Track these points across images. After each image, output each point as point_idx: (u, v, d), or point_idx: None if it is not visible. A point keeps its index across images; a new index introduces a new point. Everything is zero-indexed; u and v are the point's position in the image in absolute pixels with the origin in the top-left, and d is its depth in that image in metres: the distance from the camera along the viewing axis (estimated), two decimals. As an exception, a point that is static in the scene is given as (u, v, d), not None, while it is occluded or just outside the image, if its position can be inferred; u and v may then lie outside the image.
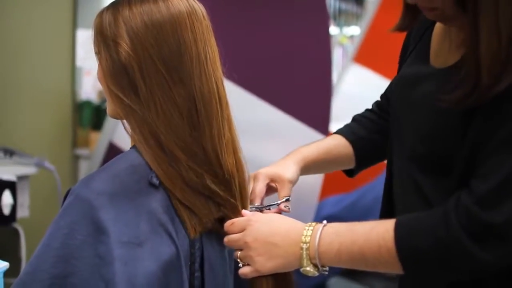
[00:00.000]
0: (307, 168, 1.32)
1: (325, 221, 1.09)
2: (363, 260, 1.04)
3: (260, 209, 1.22)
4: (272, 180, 1.27)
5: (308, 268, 1.07)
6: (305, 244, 1.06)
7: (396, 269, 1.02)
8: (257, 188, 1.24)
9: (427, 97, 1.08)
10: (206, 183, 1.10)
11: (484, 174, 0.98)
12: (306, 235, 1.06)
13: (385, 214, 1.26)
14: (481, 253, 0.95)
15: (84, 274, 1.00)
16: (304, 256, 1.06)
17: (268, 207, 1.24)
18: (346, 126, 1.43)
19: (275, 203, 1.24)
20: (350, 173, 1.44)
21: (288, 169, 1.28)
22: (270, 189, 1.28)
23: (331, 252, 1.05)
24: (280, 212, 1.23)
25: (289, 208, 1.24)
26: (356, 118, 1.44)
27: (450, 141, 1.04)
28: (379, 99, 1.47)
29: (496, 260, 0.96)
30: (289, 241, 1.08)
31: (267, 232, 1.09)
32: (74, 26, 3.11)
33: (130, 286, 1.00)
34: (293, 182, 1.28)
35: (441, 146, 1.05)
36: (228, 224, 1.13)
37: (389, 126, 1.39)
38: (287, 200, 1.25)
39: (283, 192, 1.26)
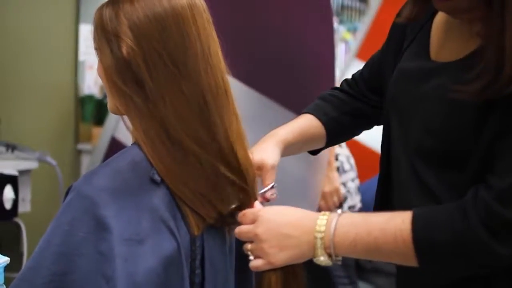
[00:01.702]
0: (285, 149, 1.31)
1: (339, 211, 1.08)
2: (378, 251, 1.03)
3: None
4: (257, 168, 1.25)
5: (322, 258, 1.06)
6: (319, 233, 1.05)
7: (411, 261, 1.01)
8: None
9: (438, 91, 1.07)
10: (221, 171, 1.09)
11: (503, 169, 0.98)
12: (320, 225, 1.05)
13: (379, 209, 1.26)
14: (499, 247, 0.96)
15: (84, 271, 1.00)
16: (319, 245, 1.05)
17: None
18: (317, 105, 1.42)
19: (262, 191, 1.22)
20: (314, 151, 1.44)
21: (270, 154, 1.26)
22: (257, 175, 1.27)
23: (346, 242, 1.04)
24: (267, 200, 1.22)
25: (275, 195, 1.23)
26: (325, 97, 1.44)
27: (464, 135, 1.03)
28: (349, 77, 1.46)
29: None
30: (302, 231, 1.07)
31: (278, 223, 1.08)
32: (77, 20, 3.10)
33: (131, 283, 1.00)
34: (275, 167, 1.27)
35: (453, 139, 1.05)
36: (240, 215, 1.13)
37: (359, 106, 1.39)
38: (272, 187, 1.23)
39: (268, 179, 1.24)
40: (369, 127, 1.45)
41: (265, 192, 1.22)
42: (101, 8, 1.12)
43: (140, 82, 1.06)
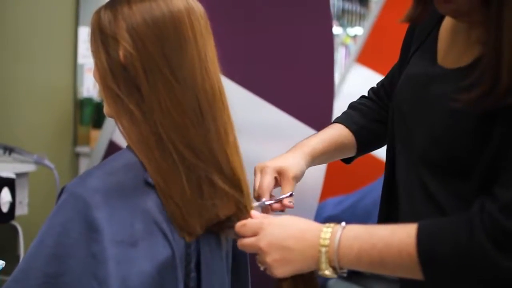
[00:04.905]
0: (314, 160, 1.31)
1: (343, 223, 1.05)
2: (383, 264, 1.01)
3: (263, 206, 1.20)
4: (278, 174, 1.24)
5: (326, 272, 1.04)
6: (324, 247, 1.03)
7: (416, 274, 0.99)
8: (265, 182, 1.21)
9: (441, 99, 1.05)
10: (215, 180, 1.08)
11: (509, 181, 0.95)
12: (324, 238, 1.03)
13: (384, 216, 1.25)
14: (505, 261, 0.93)
15: (77, 273, 0.99)
16: (323, 259, 1.03)
17: (271, 203, 1.21)
18: (346, 114, 1.42)
19: (279, 198, 1.21)
20: (347, 160, 1.44)
21: (295, 164, 1.25)
22: (277, 182, 1.26)
23: (350, 256, 1.02)
24: (283, 209, 1.21)
25: (293, 204, 1.22)
26: (354, 106, 1.43)
27: (468, 144, 1.01)
28: (375, 86, 1.45)
29: None
30: (306, 245, 1.05)
31: (281, 235, 1.06)
32: (76, 23, 3.09)
33: (124, 286, 0.99)
34: (298, 178, 1.26)
35: (457, 149, 1.03)
36: (239, 226, 1.11)
37: (384, 115, 1.38)
38: (291, 195, 1.22)
39: (287, 188, 1.23)
40: None
41: (283, 198, 1.21)
42: (98, 11, 1.11)
43: (136, 86, 1.06)
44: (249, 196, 1.16)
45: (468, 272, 0.97)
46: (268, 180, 1.22)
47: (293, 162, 1.26)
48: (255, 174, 1.23)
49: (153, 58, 1.05)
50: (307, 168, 1.29)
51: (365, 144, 1.39)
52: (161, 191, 1.06)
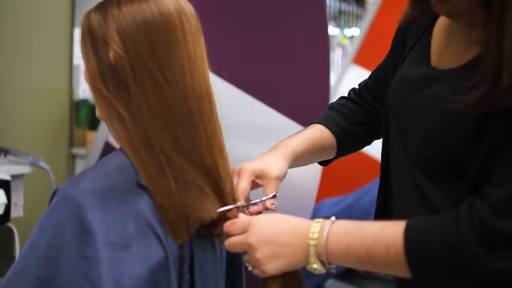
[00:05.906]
0: (295, 161, 1.29)
1: (333, 218, 1.06)
2: (370, 261, 1.01)
3: (244, 207, 1.17)
4: (257, 176, 1.22)
5: (315, 266, 1.03)
6: (313, 241, 1.03)
7: (404, 272, 0.99)
8: (241, 186, 1.19)
9: (436, 100, 1.05)
10: (200, 183, 1.08)
11: (500, 181, 0.95)
12: (313, 232, 1.03)
13: (379, 217, 1.24)
14: (493, 261, 0.93)
15: (70, 275, 0.99)
16: (312, 253, 1.03)
17: (252, 204, 1.18)
18: (327, 115, 1.40)
19: (260, 200, 1.19)
20: (324, 162, 1.42)
21: (275, 165, 1.23)
22: (255, 184, 1.23)
23: (338, 251, 1.02)
24: (265, 209, 1.19)
25: (275, 206, 1.19)
26: (334, 107, 1.42)
27: (463, 146, 1.01)
28: (356, 86, 1.44)
29: (508, 269, 0.93)
30: (296, 239, 1.04)
31: (271, 231, 1.06)
32: (72, 24, 3.09)
33: (117, 288, 0.99)
34: (281, 178, 1.23)
35: (452, 150, 1.02)
36: (228, 224, 1.10)
37: (368, 117, 1.37)
38: (274, 196, 1.20)
39: (269, 189, 1.21)
40: (378, 137, 1.43)
41: (265, 200, 1.19)
42: (88, 13, 1.10)
43: (125, 88, 1.05)
44: (235, 197, 1.15)
45: (455, 272, 0.97)
46: (243, 185, 1.19)
47: (273, 162, 1.23)
48: (232, 176, 1.21)
49: (142, 60, 1.05)
50: (288, 168, 1.27)
51: (345, 146, 1.38)
52: (151, 193, 1.06)
